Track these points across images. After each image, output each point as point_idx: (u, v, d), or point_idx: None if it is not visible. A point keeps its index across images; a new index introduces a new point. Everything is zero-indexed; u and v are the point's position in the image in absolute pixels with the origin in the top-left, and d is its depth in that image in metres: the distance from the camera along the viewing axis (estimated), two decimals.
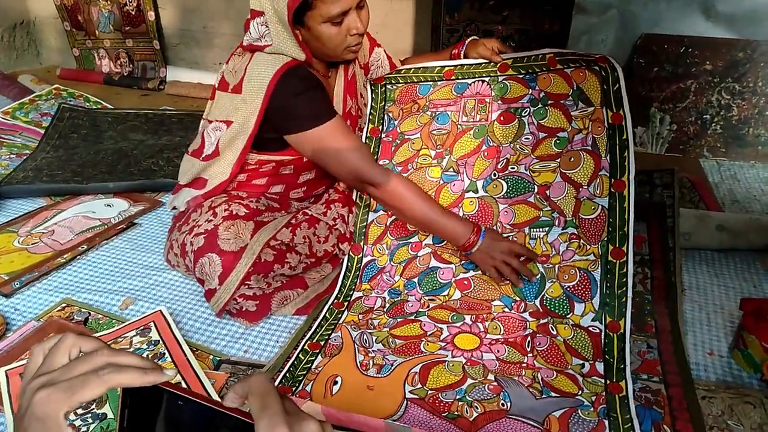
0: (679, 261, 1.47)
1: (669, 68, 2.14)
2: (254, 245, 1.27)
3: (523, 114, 1.40)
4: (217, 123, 1.35)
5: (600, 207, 1.28)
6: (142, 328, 1.27)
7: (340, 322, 1.33)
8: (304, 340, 1.27)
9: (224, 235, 1.27)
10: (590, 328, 1.23)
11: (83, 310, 1.37)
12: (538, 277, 1.31)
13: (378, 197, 1.36)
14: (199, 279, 1.32)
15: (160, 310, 1.31)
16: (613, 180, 1.27)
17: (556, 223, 1.33)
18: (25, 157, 2.15)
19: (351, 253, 1.46)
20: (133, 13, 3.07)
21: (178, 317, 1.36)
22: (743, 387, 1.13)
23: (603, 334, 1.21)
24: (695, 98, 2.14)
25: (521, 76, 1.42)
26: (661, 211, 1.61)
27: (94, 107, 2.64)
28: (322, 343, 1.26)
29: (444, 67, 1.50)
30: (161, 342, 1.22)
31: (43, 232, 1.68)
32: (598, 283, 1.25)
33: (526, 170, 1.38)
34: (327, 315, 1.35)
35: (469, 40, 1.49)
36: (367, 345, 1.25)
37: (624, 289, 1.22)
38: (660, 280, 1.44)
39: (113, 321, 1.33)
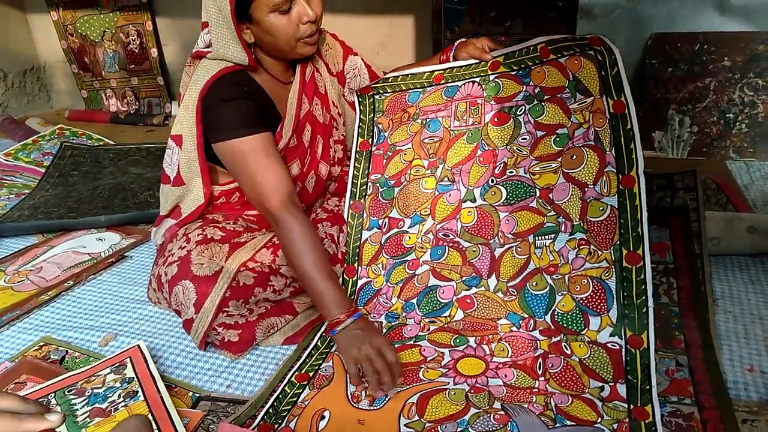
0: (708, 268, 1.32)
1: (684, 67, 2.02)
2: (230, 267, 1.18)
3: (518, 113, 1.30)
4: (170, 141, 1.30)
5: (609, 207, 1.15)
6: (117, 364, 1.17)
7: (332, 350, 1.21)
8: (291, 371, 1.16)
9: (197, 260, 1.18)
10: (609, 345, 1.09)
11: (61, 348, 1.29)
12: (546, 290, 1.19)
13: (276, 233, 1.21)
14: (176, 311, 1.23)
15: (138, 345, 1.21)
16: (620, 176, 1.15)
17: (563, 229, 1.21)
18: (23, 197, 2.12)
19: (345, 276, 1.35)
20: (137, 51, 3.08)
21: (159, 352, 1.26)
22: None
23: (624, 350, 1.07)
24: (715, 97, 2.01)
25: (514, 73, 1.31)
26: (684, 216, 1.47)
27: (96, 144, 2.63)
28: (311, 374, 1.15)
29: (433, 71, 1.41)
30: (136, 379, 1.13)
31: (31, 270, 1.62)
32: (614, 292, 1.12)
33: (525, 173, 1.27)
34: (318, 343, 1.24)
35: (458, 42, 1.40)
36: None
37: (644, 297, 1.08)
38: (687, 290, 1.29)
39: (91, 359, 1.24)
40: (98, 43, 3.15)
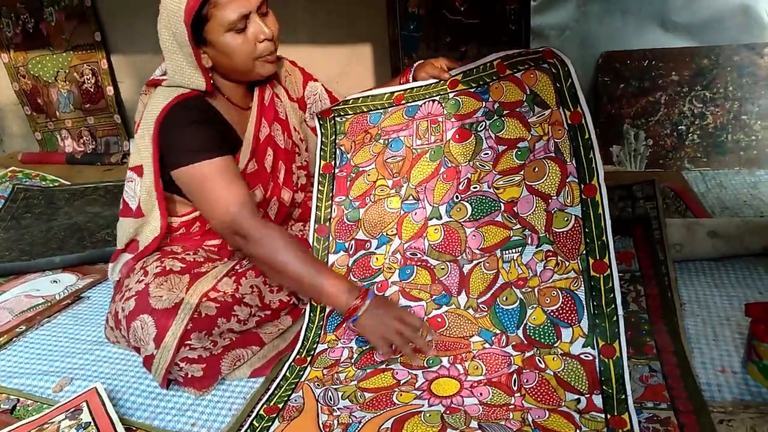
0: (673, 273, 1.33)
1: (635, 83, 2.08)
2: (190, 298, 1.13)
3: (479, 129, 1.31)
4: (130, 173, 1.27)
5: (573, 217, 1.16)
6: (72, 409, 1.10)
7: (302, 380, 1.17)
8: (259, 404, 1.11)
9: (155, 293, 1.13)
10: (582, 356, 1.08)
11: (12, 397, 1.21)
12: (516, 304, 1.17)
13: (250, 254, 1.17)
14: (135, 348, 1.17)
15: (95, 388, 1.14)
16: (582, 186, 1.15)
17: (529, 242, 1.20)
18: None
19: (312, 302, 1.31)
20: (92, 90, 3.03)
21: (119, 394, 1.19)
22: (765, 403, 0.98)
23: (597, 360, 1.06)
24: (667, 110, 2.07)
25: (473, 90, 1.33)
26: (646, 224, 1.49)
27: (50, 185, 2.54)
28: (280, 405, 1.10)
29: (393, 92, 1.42)
30: (93, 424, 1.06)
31: None
32: (584, 302, 1.11)
33: (489, 188, 1.27)
34: (287, 374, 1.19)
35: (417, 63, 1.42)
36: (332, 403, 1.09)
37: (613, 306, 1.08)
38: (655, 297, 1.30)
39: (44, 406, 1.17)
40: (52, 84, 3.08)
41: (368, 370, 1.16)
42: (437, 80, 1.37)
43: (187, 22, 1.11)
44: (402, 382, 1.12)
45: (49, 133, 3.22)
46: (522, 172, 1.24)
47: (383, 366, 1.17)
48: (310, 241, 1.36)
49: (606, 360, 1.06)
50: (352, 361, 1.20)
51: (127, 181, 1.29)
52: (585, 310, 1.11)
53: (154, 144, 1.18)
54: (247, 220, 1.13)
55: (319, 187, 1.41)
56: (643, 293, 1.32)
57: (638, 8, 2.04)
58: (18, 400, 1.20)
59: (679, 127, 2.06)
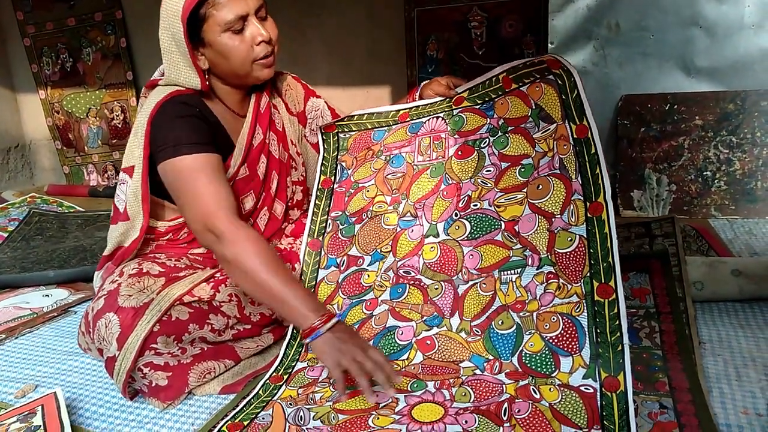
0: (692, 311, 1.21)
1: (656, 127, 2.01)
2: (162, 300, 1.06)
3: (482, 145, 1.25)
4: (122, 174, 1.24)
5: (578, 237, 1.07)
6: (27, 413, 1.03)
7: (275, 398, 1.07)
8: (223, 421, 1.01)
9: (125, 291, 1.08)
10: (582, 388, 0.96)
11: None
12: (512, 329, 1.07)
13: (220, 255, 1.08)
14: (99, 351, 1.10)
15: (54, 393, 1.07)
16: (588, 204, 1.07)
17: (529, 263, 1.11)
18: None
19: None
20: (120, 126, 3.12)
21: (81, 402, 1.12)
22: None
23: (599, 394, 0.95)
24: (691, 155, 1.98)
25: (478, 107, 1.28)
26: (664, 260, 1.37)
27: (66, 211, 2.56)
28: (245, 422, 1.00)
29: (399, 110, 1.39)
30: (42, 428, 0.98)
31: None
32: (586, 330, 1.01)
33: (490, 206, 1.19)
34: (260, 391, 1.10)
35: (423, 83, 1.39)
36: (302, 422, 0.99)
37: (618, 334, 0.97)
38: (671, 333, 1.17)
39: (1, 410, 1.10)
40: (83, 120, 3.19)
41: (348, 391, 1.05)
42: (443, 98, 1.34)
43: (184, 20, 1.11)
44: (381, 405, 1.01)
45: (76, 167, 3.30)
46: (525, 190, 1.17)
47: None
48: (301, 254, 1.30)
49: (609, 394, 0.94)
50: (331, 380, 1.10)
51: (119, 184, 1.27)
52: (587, 338, 1.00)
53: (145, 140, 1.16)
54: (224, 218, 1.07)
55: (317, 202, 1.37)
56: (658, 329, 1.19)
57: (659, 52, 2.00)
58: None
59: (705, 173, 1.97)
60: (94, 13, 3.05)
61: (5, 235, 2.26)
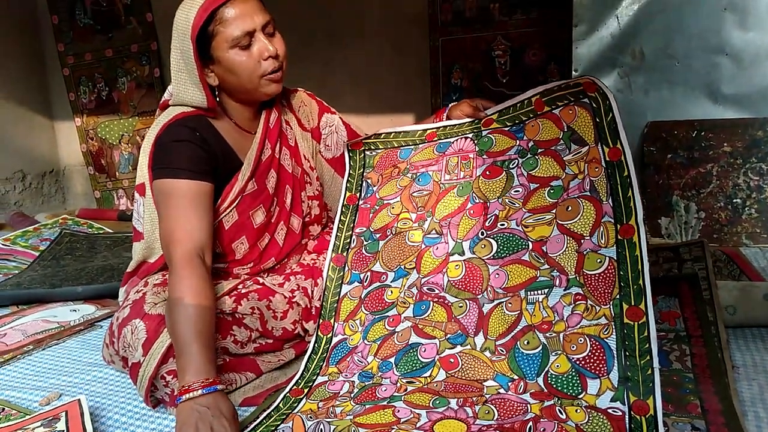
0: (725, 335, 1.18)
1: (684, 153, 1.99)
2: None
3: (510, 166, 1.25)
4: (136, 194, 1.29)
5: (607, 259, 1.06)
6: (50, 418, 1.04)
7: (295, 411, 1.06)
8: None
9: (151, 299, 1.09)
10: (610, 411, 0.94)
11: None
12: (538, 350, 1.05)
13: (168, 277, 1.10)
14: (124, 359, 1.11)
15: (78, 400, 1.08)
16: (619, 226, 1.06)
17: (557, 283, 1.10)
18: (10, 276, 2.07)
19: (319, 333, 1.23)
20: None
21: (104, 411, 1.12)
22: None
23: (627, 417, 0.92)
24: (720, 182, 1.95)
25: (507, 128, 1.29)
26: (694, 284, 1.34)
27: (96, 232, 2.62)
28: None
29: (426, 129, 1.40)
30: None
31: None
32: (615, 352, 0.98)
33: (517, 226, 1.19)
34: (281, 404, 1.09)
35: (451, 104, 1.41)
36: None
37: (648, 357, 0.95)
38: (702, 357, 1.14)
39: (26, 416, 1.11)
40: (115, 146, 3.29)
41: (367, 406, 1.04)
42: (472, 119, 1.35)
43: (193, 38, 1.15)
44: (402, 420, 1.00)
45: (107, 192, 3.38)
46: (554, 211, 1.16)
47: (385, 402, 1.05)
48: (325, 270, 1.31)
49: (638, 417, 0.91)
50: (352, 395, 1.09)
51: (135, 203, 1.31)
52: (615, 361, 0.98)
53: (149, 160, 1.20)
54: (183, 251, 1.07)
55: (341, 218, 1.38)
56: (689, 352, 1.16)
57: (685, 79, 1.99)
58: (3, 409, 1.14)
59: (734, 201, 1.93)
60: (131, 45, 3.17)
61: (37, 254, 2.31)
